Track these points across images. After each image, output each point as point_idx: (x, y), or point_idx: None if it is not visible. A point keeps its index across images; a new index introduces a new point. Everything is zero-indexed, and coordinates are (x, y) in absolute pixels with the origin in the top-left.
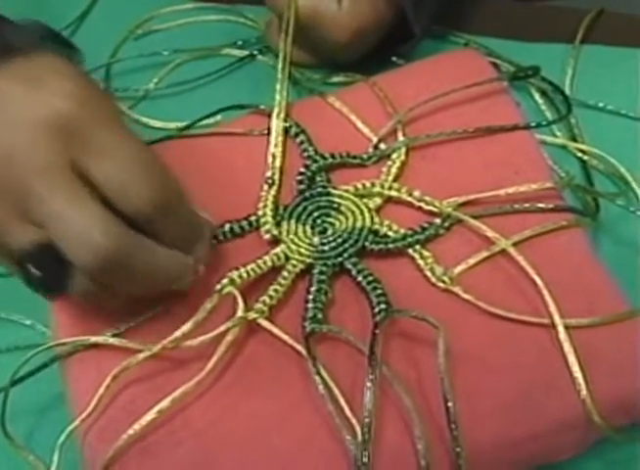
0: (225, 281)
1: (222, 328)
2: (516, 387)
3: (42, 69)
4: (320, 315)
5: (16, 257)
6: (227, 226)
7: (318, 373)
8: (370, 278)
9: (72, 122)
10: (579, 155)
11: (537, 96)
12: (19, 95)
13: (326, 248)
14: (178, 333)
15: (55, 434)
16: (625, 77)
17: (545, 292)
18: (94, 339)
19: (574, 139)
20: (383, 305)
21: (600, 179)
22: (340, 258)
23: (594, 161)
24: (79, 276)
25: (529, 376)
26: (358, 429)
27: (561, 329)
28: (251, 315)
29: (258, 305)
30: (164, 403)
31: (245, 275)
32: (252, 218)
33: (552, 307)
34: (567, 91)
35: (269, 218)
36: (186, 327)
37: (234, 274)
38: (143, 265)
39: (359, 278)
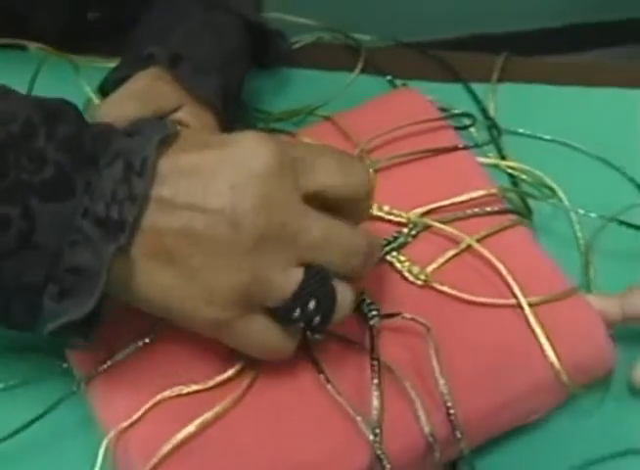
0: None
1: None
2: (493, 361)
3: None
4: None
5: (285, 302)
6: None
7: (327, 378)
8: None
9: (280, 160)
10: (509, 171)
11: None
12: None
13: None
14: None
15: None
16: (537, 108)
17: (509, 277)
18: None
19: (503, 159)
20: (374, 312)
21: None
22: None
23: (523, 175)
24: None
25: (504, 350)
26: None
27: (526, 307)
28: None
29: None
30: (207, 416)
31: None
32: None
33: (516, 289)
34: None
35: None
36: None
37: None
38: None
39: None
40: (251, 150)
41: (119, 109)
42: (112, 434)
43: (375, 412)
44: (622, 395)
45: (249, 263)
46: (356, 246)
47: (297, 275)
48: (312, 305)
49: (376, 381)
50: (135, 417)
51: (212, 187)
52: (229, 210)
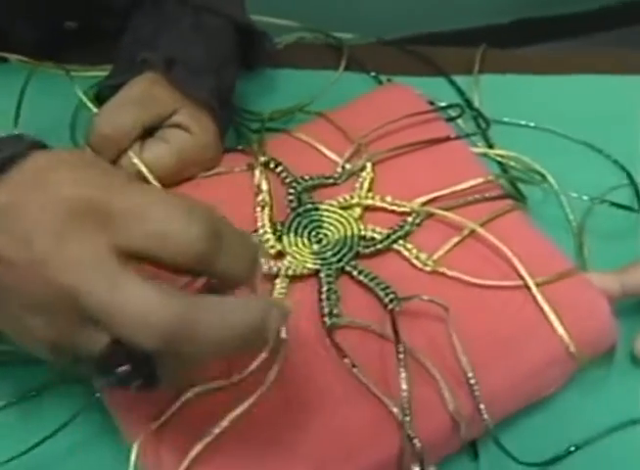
0: None
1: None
2: (506, 340)
3: (37, 169)
4: (336, 310)
5: (96, 363)
6: None
7: (353, 363)
8: (371, 276)
9: (88, 205)
10: (498, 159)
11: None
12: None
13: (327, 254)
14: None
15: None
16: (519, 97)
17: (515, 259)
18: None
19: (491, 147)
20: (392, 296)
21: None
22: (341, 263)
23: (511, 162)
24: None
25: (515, 330)
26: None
27: (534, 287)
28: None
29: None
30: (237, 411)
31: None
32: (253, 235)
33: (523, 271)
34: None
35: (270, 235)
36: None
37: None
38: (215, 328)
39: (361, 277)
40: (50, 197)
41: (119, 115)
42: (141, 437)
43: (404, 394)
44: (626, 366)
45: (40, 321)
46: (150, 324)
47: (103, 337)
48: (124, 370)
49: (402, 363)
50: (163, 418)
51: (11, 234)
52: (21, 260)
